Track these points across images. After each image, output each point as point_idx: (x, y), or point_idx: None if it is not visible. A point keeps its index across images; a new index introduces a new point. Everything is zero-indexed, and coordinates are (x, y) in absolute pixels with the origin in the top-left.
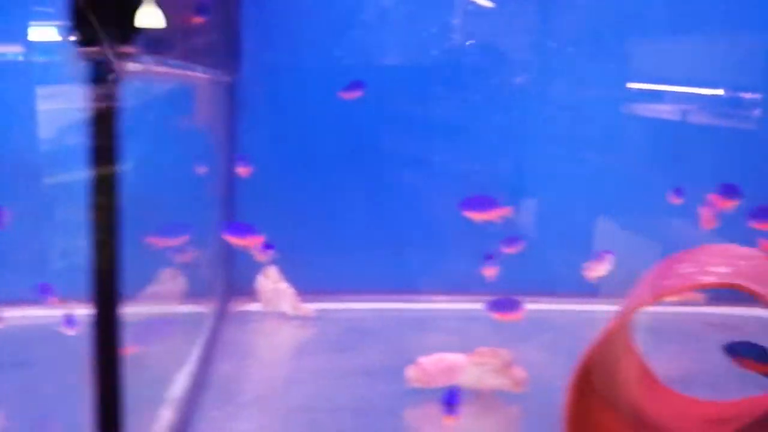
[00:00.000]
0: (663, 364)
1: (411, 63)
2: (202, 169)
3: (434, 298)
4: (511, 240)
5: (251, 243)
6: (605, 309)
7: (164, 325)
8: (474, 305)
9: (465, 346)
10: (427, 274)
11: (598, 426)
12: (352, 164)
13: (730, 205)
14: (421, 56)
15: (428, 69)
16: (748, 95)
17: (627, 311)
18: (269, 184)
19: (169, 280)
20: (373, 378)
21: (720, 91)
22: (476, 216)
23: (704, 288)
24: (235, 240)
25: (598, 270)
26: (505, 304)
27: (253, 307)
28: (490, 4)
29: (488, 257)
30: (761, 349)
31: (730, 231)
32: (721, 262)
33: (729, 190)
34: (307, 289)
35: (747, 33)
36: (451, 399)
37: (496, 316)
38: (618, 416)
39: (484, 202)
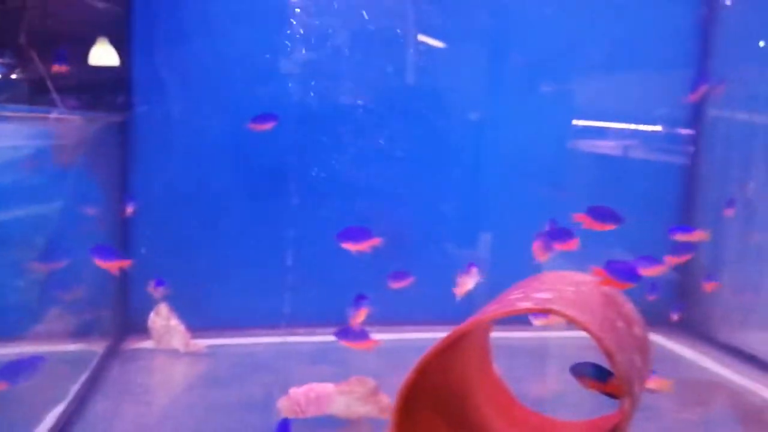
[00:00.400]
0: (533, 386)
1: (316, 98)
2: (89, 209)
3: (328, 331)
4: (399, 275)
5: (113, 266)
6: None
7: (36, 362)
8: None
9: (347, 377)
10: (322, 308)
11: None
12: (246, 200)
13: (605, 228)
14: (335, 91)
15: (343, 105)
16: (684, 131)
17: (451, 336)
18: (163, 222)
19: (56, 319)
20: (248, 410)
21: (658, 127)
22: (351, 247)
23: (520, 314)
24: (100, 263)
25: (465, 283)
26: (352, 333)
27: (146, 344)
28: (440, 44)
29: (359, 297)
30: (600, 369)
31: None
32: (548, 288)
33: (604, 216)
34: (201, 325)
35: (683, 71)
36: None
37: (345, 344)
38: None
39: (358, 233)
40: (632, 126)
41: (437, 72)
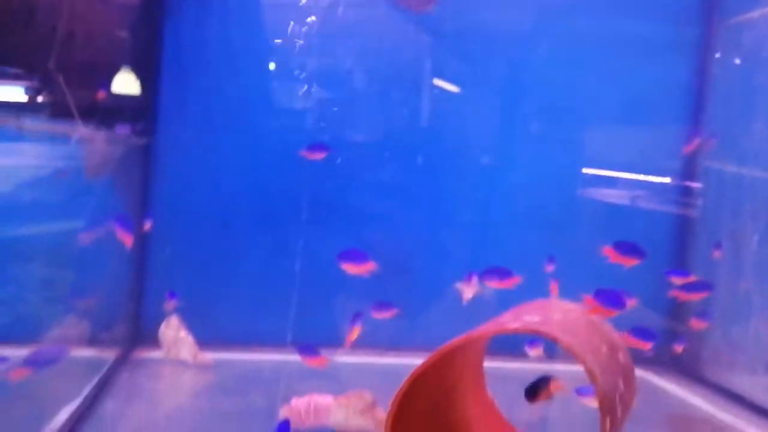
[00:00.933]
0: (525, 409)
1: (338, 132)
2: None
3: (333, 350)
4: (382, 305)
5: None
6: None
7: (62, 351)
8: (370, 358)
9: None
10: (326, 327)
11: None
12: (258, 222)
13: (629, 262)
14: (356, 126)
15: (359, 141)
16: (681, 181)
17: (443, 349)
18: (178, 238)
19: (72, 326)
20: (249, 418)
21: (659, 178)
22: (350, 268)
23: (507, 333)
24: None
25: (467, 291)
26: (304, 349)
27: (156, 354)
28: (455, 89)
29: (357, 315)
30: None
31: None
32: (538, 313)
33: (629, 250)
34: (210, 338)
35: (681, 124)
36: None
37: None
38: None
39: (357, 256)
40: (635, 175)
41: (451, 115)
